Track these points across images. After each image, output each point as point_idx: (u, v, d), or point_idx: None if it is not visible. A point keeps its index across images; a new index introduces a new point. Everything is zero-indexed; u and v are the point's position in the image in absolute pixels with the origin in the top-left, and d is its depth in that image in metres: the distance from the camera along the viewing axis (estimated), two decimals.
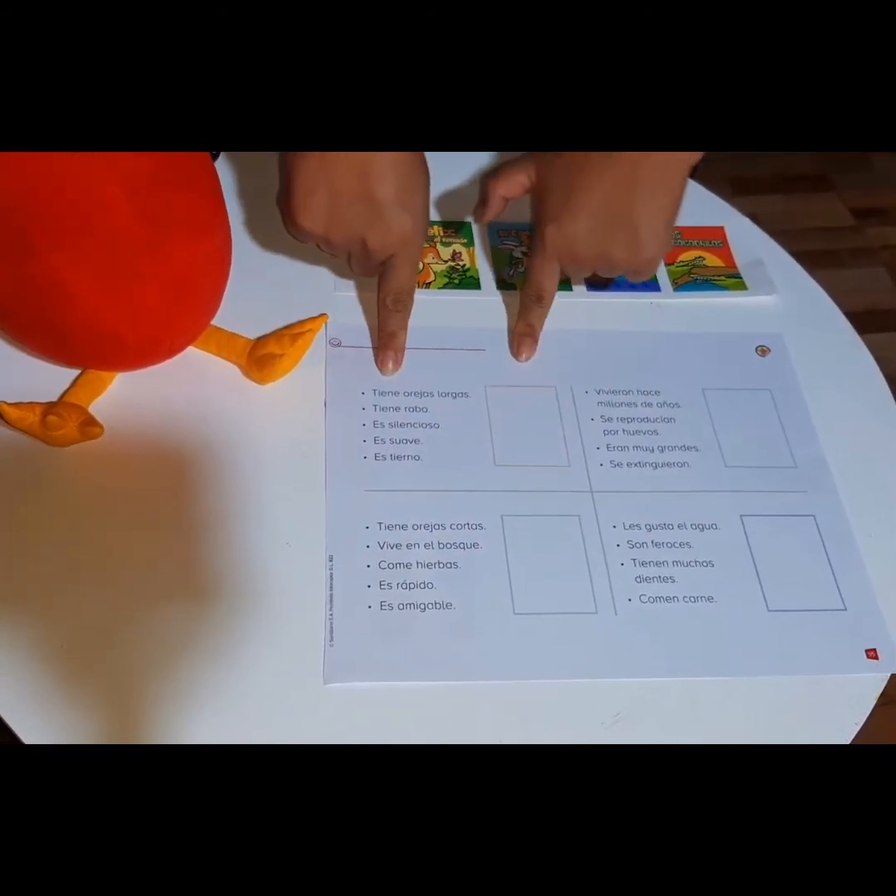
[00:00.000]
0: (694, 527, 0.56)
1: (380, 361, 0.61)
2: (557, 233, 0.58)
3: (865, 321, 0.69)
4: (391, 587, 0.52)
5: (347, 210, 0.54)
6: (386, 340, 0.60)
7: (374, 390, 0.60)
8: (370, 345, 0.62)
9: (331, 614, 0.50)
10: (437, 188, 0.58)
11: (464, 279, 0.66)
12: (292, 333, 0.58)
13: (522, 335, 0.62)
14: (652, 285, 0.67)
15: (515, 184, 0.61)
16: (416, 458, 0.57)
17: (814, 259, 0.73)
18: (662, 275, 0.68)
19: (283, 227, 0.57)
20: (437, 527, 0.54)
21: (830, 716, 0.50)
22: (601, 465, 0.58)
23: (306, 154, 0.53)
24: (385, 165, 0.53)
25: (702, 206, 0.73)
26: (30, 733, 0.45)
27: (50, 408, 0.53)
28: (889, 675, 0.52)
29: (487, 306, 0.65)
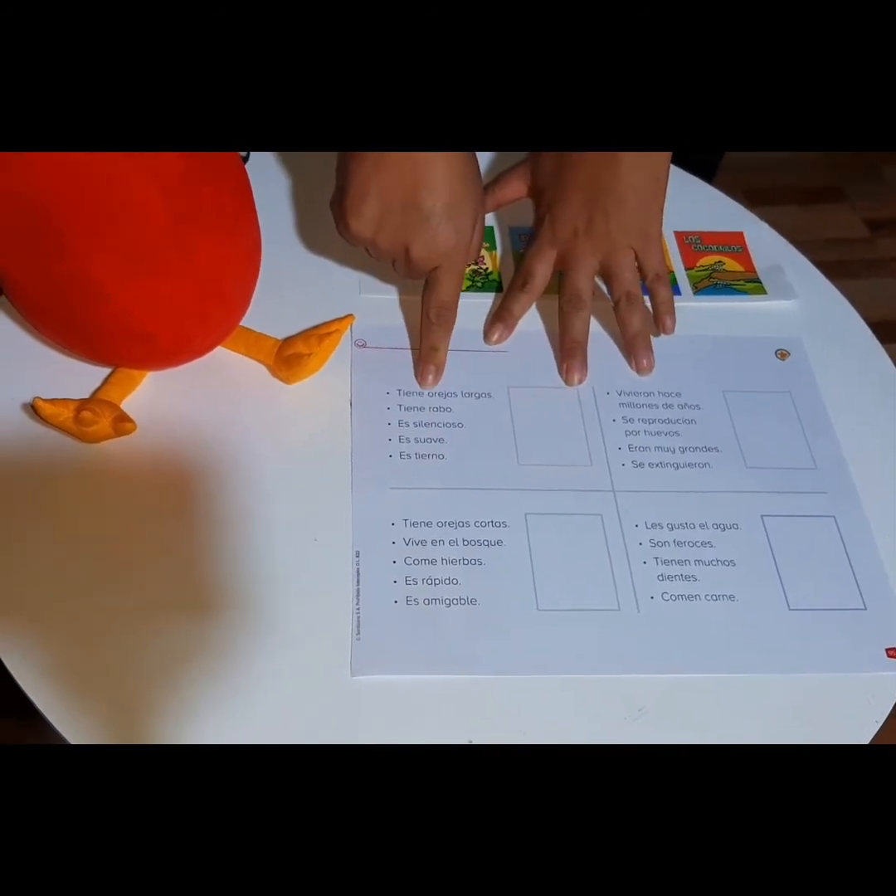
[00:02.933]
0: (715, 526, 0.56)
1: (420, 374, 0.61)
2: (551, 221, 0.63)
3: (880, 332, 0.69)
4: (416, 583, 0.52)
5: (395, 218, 0.55)
6: (427, 354, 0.60)
7: (399, 390, 0.61)
8: (395, 346, 0.63)
9: (358, 608, 0.51)
10: None
11: (486, 282, 0.67)
12: (319, 334, 0.59)
13: (496, 318, 0.64)
14: (672, 289, 0.67)
15: (510, 189, 0.68)
16: (441, 456, 0.58)
17: (828, 270, 0.73)
18: (682, 279, 0.69)
19: (335, 229, 0.58)
20: (461, 524, 0.55)
21: (851, 714, 0.50)
22: (623, 465, 0.58)
23: (362, 156, 0.54)
24: (437, 176, 0.54)
25: (721, 212, 0.74)
26: (65, 724, 0.46)
27: (84, 404, 0.54)
28: None
29: None
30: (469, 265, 0.60)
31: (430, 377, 0.60)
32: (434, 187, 0.54)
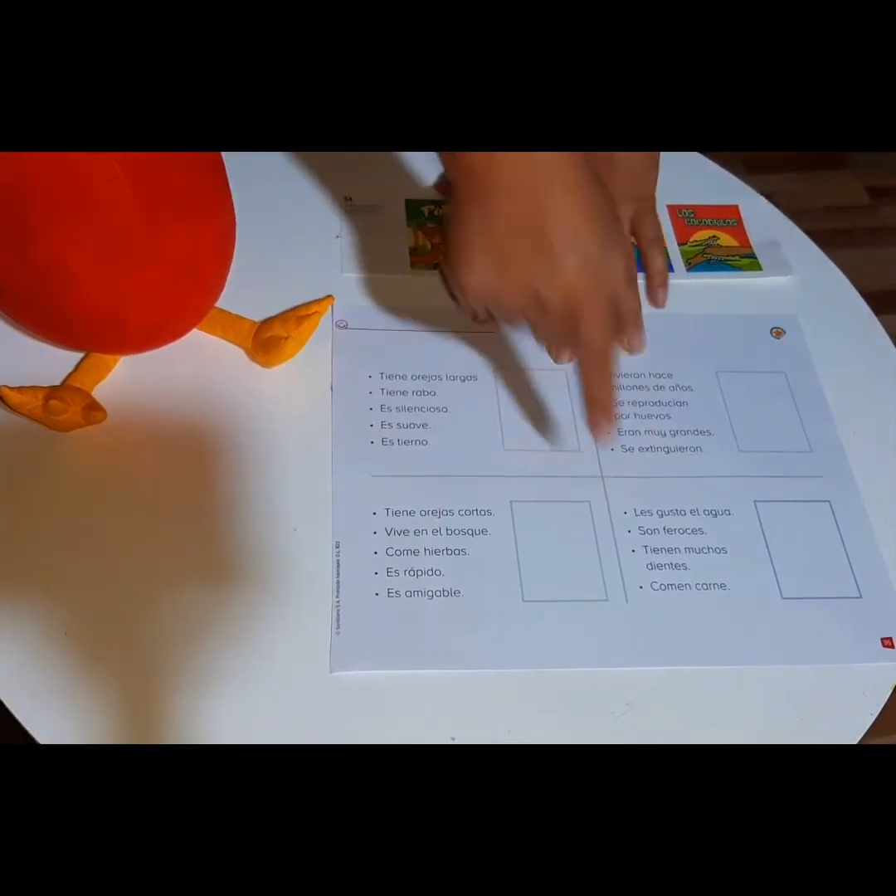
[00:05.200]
0: (707, 512, 0.55)
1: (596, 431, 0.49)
2: None
3: (882, 301, 0.67)
4: (398, 574, 0.51)
5: (517, 260, 0.45)
6: (598, 406, 0.49)
7: (382, 373, 0.59)
8: (378, 327, 0.61)
9: (337, 601, 0.50)
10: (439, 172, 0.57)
11: None
12: (298, 316, 0.57)
13: None
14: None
15: None
16: (424, 442, 0.56)
17: (829, 238, 0.71)
18: (675, 255, 0.67)
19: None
20: (445, 513, 0.53)
21: (845, 705, 0.49)
22: (612, 449, 0.57)
23: (464, 199, 0.45)
24: (559, 205, 0.44)
25: (716, 184, 0.72)
26: (34, 723, 0.45)
27: (52, 392, 0.53)
28: None
29: None
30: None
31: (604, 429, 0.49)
32: (560, 216, 0.44)
